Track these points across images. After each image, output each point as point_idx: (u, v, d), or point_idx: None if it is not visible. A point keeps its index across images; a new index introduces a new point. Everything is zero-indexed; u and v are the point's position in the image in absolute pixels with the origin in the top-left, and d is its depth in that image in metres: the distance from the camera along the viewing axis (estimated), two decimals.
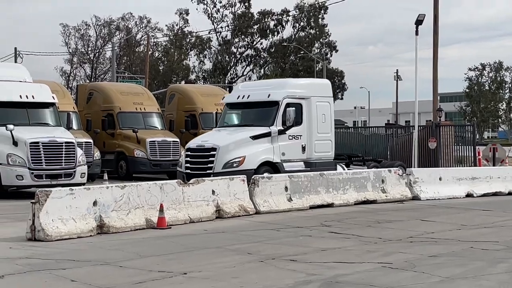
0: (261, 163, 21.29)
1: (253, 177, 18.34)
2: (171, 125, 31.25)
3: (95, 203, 14.31)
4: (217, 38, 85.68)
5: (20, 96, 22.12)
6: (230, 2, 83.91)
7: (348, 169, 24.54)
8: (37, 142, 21.07)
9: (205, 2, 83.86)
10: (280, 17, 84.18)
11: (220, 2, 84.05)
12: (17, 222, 15.42)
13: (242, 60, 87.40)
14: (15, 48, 61.37)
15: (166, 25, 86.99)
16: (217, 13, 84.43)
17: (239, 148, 21.23)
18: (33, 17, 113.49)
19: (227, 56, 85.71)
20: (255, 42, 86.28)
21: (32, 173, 20.95)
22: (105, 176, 25.22)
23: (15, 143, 21.01)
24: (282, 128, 21.97)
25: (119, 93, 31.15)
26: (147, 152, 28.78)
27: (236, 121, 23.59)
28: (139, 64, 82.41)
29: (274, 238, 13.88)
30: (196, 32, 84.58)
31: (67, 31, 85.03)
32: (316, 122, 22.87)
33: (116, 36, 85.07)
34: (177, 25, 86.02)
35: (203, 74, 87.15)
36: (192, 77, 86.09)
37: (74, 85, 78.56)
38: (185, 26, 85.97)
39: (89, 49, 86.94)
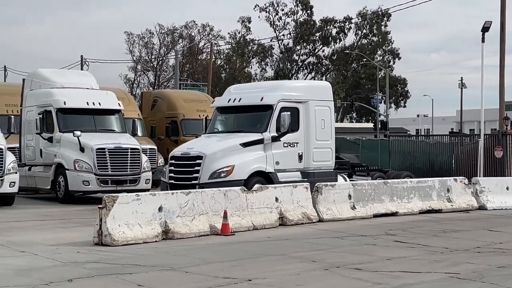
0: (252, 173, 19.16)
1: (316, 185, 18.26)
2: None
3: (160, 209, 14.46)
4: (279, 46, 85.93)
5: (87, 103, 22.55)
6: (292, 10, 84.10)
7: (350, 180, 22.60)
8: (103, 148, 21.42)
9: (268, 10, 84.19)
10: (343, 24, 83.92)
11: (282, 10, 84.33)
12: (84, 226, 15.70)
13: (304, 68, 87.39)
14: (81, 56, 62.60)
15: (228, 33, 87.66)
16: (279, 21, 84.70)
17: (227, 156, 19.13)
18: (98, 25, 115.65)
19: (288, 64, 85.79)
20: (317, 50, 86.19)
21: (98, 178, 21.30)
22: None
23: (82, 149, 21.41)
24: (276, 135, 19.79)
25: (182, 100, 31.44)
26: None
27: (226, 127, 21.30)
28: (202, 71, 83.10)
29: (338, 246, 13.79)
30: (258, 40, 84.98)
31: (131, 39, 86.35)
32: (315, 128, 20.70)
33: (179, 44, 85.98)
34: (239, 32, 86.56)
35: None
36: None
37: (138, 92, 79.64)
38: (247, 34, 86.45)
39: (153, 56, 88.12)
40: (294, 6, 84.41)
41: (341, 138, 47.25)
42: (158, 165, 27.07)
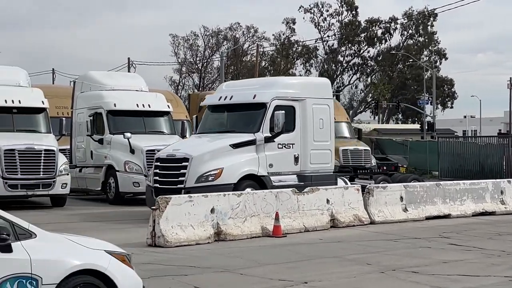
0: (242, 177, 17.56)
1: (367, 187, 18.09)
2: None
3: (212, 211, 14.48)
4: (324, 47, 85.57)
5: (137, 105, 22.70)
6: (337, 10, 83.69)
7: (352, 183, 20.94)
8: (153, 150, 21.48)
9: (312, 11, 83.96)
10: (388, 25, 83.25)
11: (327, 11, 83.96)
12: (137, 228, 15.78)
13: (349, 69, 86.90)
14: (128, 58, 63.12)
15: (273, 35, 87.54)
16: (323, 22, 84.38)
17: (216, 159, 17.51)
18: (144, 28, 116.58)
19: (333, 65, 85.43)
20: (362, 51, 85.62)
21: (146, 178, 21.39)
22: None
23: (132, 151, 21.55)
24: (270, 135, 18.12)
25: None
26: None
27: (218, 127, 19.60)
28: (246, 73, 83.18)
29: (392, 249, 13.64)
30: (303, 41, 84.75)
31: (176, 41, 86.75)
32: (312, 128, 18.99)
33: (223, 45, 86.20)
34: (283, 34, 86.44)
35: None
36: None
37: (183, 94, 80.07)
38: (292, 35, 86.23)
39: (198, 58, 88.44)
40: (339, 7, 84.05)
41: (388, 140, 47.01)
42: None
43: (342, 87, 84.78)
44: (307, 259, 12.36)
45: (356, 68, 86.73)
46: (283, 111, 18.09)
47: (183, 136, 23.77)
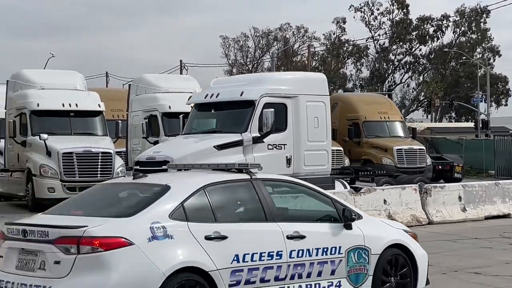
0: None
1: (425, 186, 17.88)
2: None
3: None
4: (375, 46, 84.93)
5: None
6: (388, 9, 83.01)
7: (352, 186, 19.29)
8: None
9: (363, 10, 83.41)
10: (440, 22, 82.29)
11: (378, 10, 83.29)
12: None
13: (400, 67, 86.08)
14: (181, 61, 63.63)
15: (323, 34, 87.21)
16: (374, 21, 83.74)
17: (198, 161, 16.01)
18: (195, 30, 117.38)
19: (384, 64, 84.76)
20: (413, 49, 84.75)
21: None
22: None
23: None
24: (259, 135, 16.91)
25: (363, 103, 31.92)
26: (395, 159, 29.04)
27: (204, 126, 18.59)
28: None
29: (452, 250, 13.47)
30: (353, 40, 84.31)
31: (227, 43, 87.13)
32: (306, 127, 17.72)
33: (274, 46, 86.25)
34: (334, 33, 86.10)
35: (361, 82, 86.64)
36: (349, 85, 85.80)
37: None
38: (342, 35, 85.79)
39: (248, 60, 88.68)
40: (390, 5, 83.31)
41: (443, 138, 46.38)
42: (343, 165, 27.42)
43: (393, 86, 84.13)
44: None
45: (407, 66, 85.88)
46: (272, 109, 16.85)
47: None
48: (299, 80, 18.72)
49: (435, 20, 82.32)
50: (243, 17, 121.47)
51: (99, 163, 20.36)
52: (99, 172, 20.27)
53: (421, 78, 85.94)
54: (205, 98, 18.39)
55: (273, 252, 7.66)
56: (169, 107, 22.59)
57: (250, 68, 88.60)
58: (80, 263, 6.75)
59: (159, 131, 22.58)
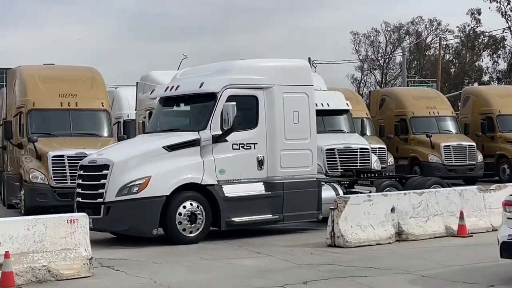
0: (180, 187, 14.10)
1: None
2: (466, 128, 30.38)
3: (392, 210, 14.14)
4: None
5: (316, 104, 22.64)
6: None
7: (348, 190, 16.80)
8: (333, 149, 21.43)
9: (498, 0, 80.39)
10: None
11: None
12: (317, 228, 15.72)
13: None
14: (309, 58, 63.49)
15: (457, 27, 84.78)
16: (511, 11, 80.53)
17: (144, 165, 14.13)
18: (324, 27, 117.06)
19: None
20: None
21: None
22: None
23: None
24: (220, 133, 14.57)
25: (411, 97, 30.95)
26: (442, 156, 28.17)
27: (165, 124, 16.29)
28: (430, 67, 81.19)
29: None
30: (489, 32, 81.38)
31: (357, 38, 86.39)
32: (283, 123, 15.25)
33: (405, 40, 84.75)
34: (468, 25, 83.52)
35: (497, 75, 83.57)
36: (485, 78, 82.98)
37: (365, 91, 79.58)
38: (477, 26, 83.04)
39: (379, 55, 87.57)
40: None
41: None
42: (388, 164, 26.71)
43: None
44: (494, 261, 11.66)
45: None
46: (234, 102, 14.51)
47: (363, 134, 23.52)
48: (273, 69, 15.75)
49: None
50: (374, 12, 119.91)
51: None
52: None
53: None
54: (165, 91, 16.18)
55: None
56: None
57: (382, 64, 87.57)
58: None
59: None
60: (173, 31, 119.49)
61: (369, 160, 21.80)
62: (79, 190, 14.67)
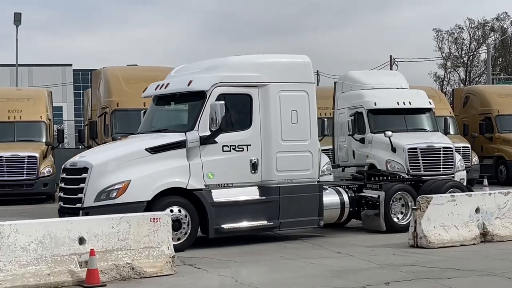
0: (162, 191, 13.19)
1: None
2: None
3: (477, 210, 13.84)
4: None
5: (398, 103, 22.42)
6: None
7: (357, 194, 15.80)
8: (415, 148, 21.14)
9: None
10: None
11: None
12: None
13: None
14: (390, 56, 62.82)
15: None
16: None
17: (125, 168, 13.26)
18: (406, 24, 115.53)
19: None
20: None
21: None
22: (485, 182, 24.44)
23: (393, 149, 21.32)
24: (209, 134, 13.64)
25: (497, 95, 30.27)
26: None
27: (155, 124, 15.39)
28: None
29: None
30: None
31: (440, 35, 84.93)
32: (279, 124, 14.25)
33: (490, 37, 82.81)
34: None
35: None
36: None
37: (448, 89, 78.16)
38: None
39: (463, 52, 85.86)
40: None
41: None
42: (472, 163, 26.17)
43: None
44: None
45: None
46: (222, 102, 13.57)
47: (446, 132, 23.10)
48: (269, 65, 14.66)
49: None
50: (457, 8, 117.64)
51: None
52: None
53: None
54: (155, 89, 15.29)
55: None
56: (375, 103, 22.32)
57: (465, 61, 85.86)
58: None
59: (365, 128, 22.41)
60: (250, 30, 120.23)
61: (452, 159, 21.41)
62: (61, 194, 13.94)
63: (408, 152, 21.09)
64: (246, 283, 10.25)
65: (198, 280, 10.70)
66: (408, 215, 15.48)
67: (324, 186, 15.22)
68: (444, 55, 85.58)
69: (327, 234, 15.07)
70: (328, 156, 22.51)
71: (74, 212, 13.04)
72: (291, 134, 14.37)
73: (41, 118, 26.59)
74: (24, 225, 10.13)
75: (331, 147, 24.20)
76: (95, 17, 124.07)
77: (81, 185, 13.25)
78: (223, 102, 13.55)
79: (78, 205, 13.19)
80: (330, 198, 15.18)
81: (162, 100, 15.24)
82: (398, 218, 15.74)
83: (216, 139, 13.65)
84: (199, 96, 13.91)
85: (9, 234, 9.82)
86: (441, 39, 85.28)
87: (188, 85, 14.13)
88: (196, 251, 13.05)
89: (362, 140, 22.43)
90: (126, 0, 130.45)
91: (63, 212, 13.51)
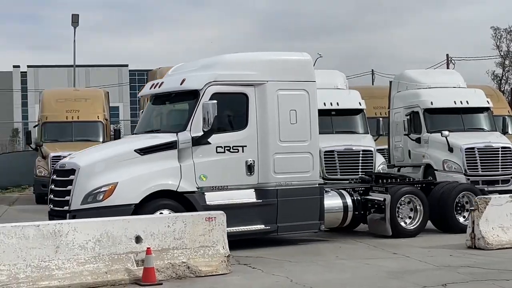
0: (152, 194, 12.68)
1: None
2: None
3: None
4: None
5: (455, 102, 22.16)
6: None
7: (363, 198, 15.13)
8: (473, 148, 20.85)
9: None
10: None
11: None
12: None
13: None
14: (447, 55, 62.04)
15: None
16: None
17: (113, 170, 12.78)
18: (463, 22, 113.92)
19: None
20: None
21: (468, 179, 20.72)
22: None
23: (450, 149, 21.07)
24: (202, 134, 13.11)
25: None
26: None
27: (150, 124, 14.86)
28: None
29: None
30: None
31: (498, 33, 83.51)
32: (277, 124, 13.67)
33: None
34: None
35: None
36: None
37: (506, 88, 76.83)
38: None
39: None
40: None
41: None
42: None
43: None
44: None
45: None
46: (215, 101, 12.95)
47: (504, 132, 22.69)
48: (267, 63, 14.05)
49: None
50: None
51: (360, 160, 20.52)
52: (359, 169, 20.35)
53: None
54: (150, 88, 14.87)
55: None
56: (431, 103, 22.10)
57: None
58: None
59: (421, 128, 22.19)
60: (303, 30, 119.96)
61: (511, 159, 21.06)
62: (51, 196, 13.41)
63: (465, 152, 20.81)
64: (301, 283, 10.23)
65: (252, 279, 10.72)
66: (417, 219, 14.97)
67: (326, 189, 14.72)
68: (502, 54, 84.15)
69: (382, 235, 14.90)
70: (384, 156, 22.39)
71: (62, 215, 12.60)
72: (289, 135, 13.84)
73: (98, 118, 27.39)
74: (82, 224, 10.31)
75: (386, 146, 24.04)
76: (150, 18, 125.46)
77: (69, 187, 12.83)
78: (215, 101, 12.99)
79: (66, 208, 12.76)
80: (331, 201, 14.60)
81: (157, 99, 14.81)
82: (405, 223, 14.96)
83: (209, 140, 13.17)
84: (192, 95, 13.46)
85: (67, 233, 9.99)
86: (499, 37, 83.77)
87: (181, 84, 13.69)
88: (251, 251, 13.08)
89: (418, 140, 22.23)
90: (182, 1, 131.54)
91: (52, 215, 13.11)
